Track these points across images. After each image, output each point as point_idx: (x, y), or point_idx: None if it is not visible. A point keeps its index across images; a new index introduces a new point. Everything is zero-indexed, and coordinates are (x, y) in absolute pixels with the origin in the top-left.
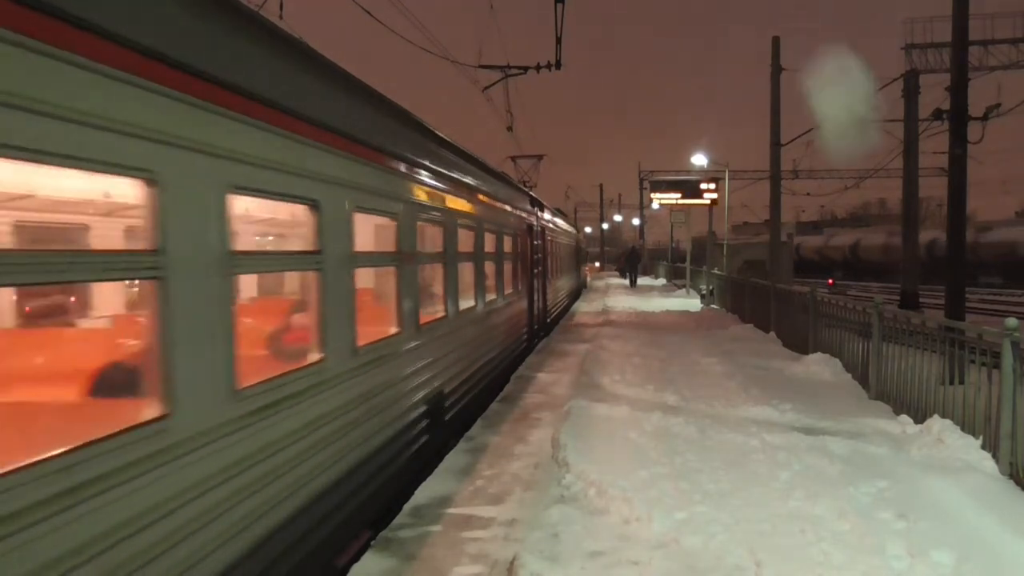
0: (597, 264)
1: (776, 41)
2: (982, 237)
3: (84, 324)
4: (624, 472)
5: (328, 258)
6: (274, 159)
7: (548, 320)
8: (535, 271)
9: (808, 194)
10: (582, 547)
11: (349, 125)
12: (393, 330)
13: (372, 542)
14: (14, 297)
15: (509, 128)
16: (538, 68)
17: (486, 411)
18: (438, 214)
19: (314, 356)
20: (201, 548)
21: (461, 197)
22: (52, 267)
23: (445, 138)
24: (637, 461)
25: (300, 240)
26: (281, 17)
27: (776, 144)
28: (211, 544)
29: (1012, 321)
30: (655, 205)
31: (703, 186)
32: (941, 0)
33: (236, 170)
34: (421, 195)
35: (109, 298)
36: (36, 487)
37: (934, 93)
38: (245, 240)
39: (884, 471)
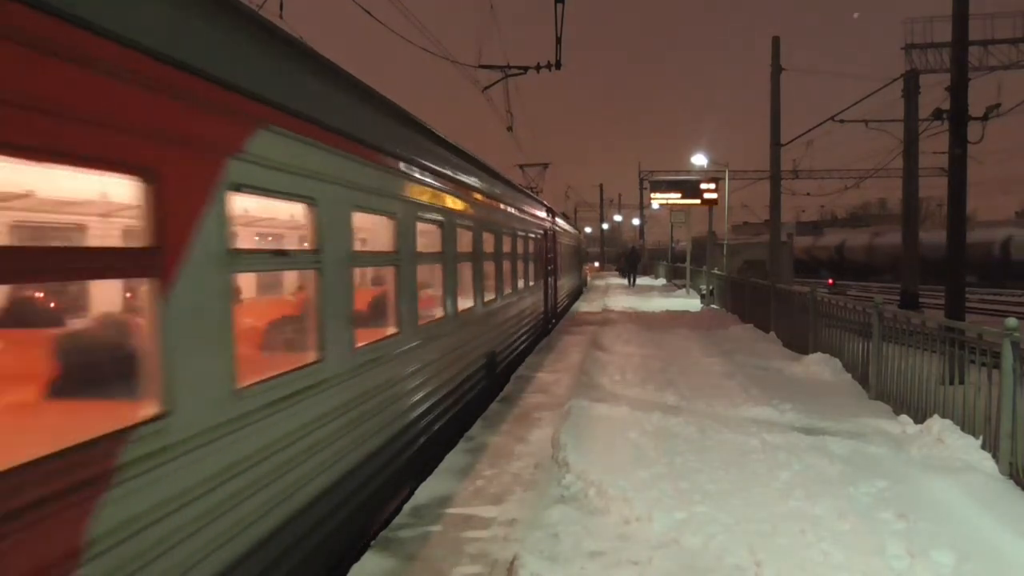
0: (596, 264)
1: (776, 41)
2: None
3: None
4: (624, 472)
5: (403, 257)
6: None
7: (559, 310)
8: (550, 268)
9: (808, 194)
10: (582, 547)
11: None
12: (470, 303)
13: (372, 542)
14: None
15: (509, 128)
16: (538, 68)
17: (486, 411)
18: (491, 223)
19: (439, 313)
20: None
21: (509, 209)
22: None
23: (495, 170)
24: (637, 461)
25: (381, 242)
26: (281, 17)
27: (776, 144)
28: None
29: (1012, 321)
30: (655, 205)
31: (703, 186)
32: (941, 0)
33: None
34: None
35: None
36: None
37: (934, 93)
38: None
39: (884, 471)
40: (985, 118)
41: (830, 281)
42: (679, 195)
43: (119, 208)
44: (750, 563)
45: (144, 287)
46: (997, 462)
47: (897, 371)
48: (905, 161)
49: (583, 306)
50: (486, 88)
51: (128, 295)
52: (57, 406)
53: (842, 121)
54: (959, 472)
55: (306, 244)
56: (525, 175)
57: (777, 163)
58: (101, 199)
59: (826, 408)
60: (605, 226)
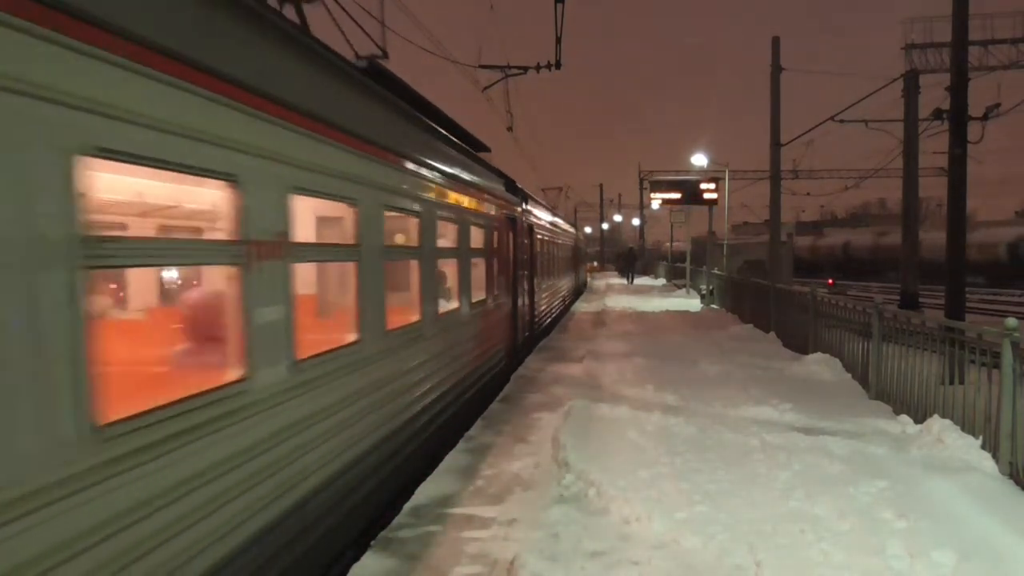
0: (595, 263)
1: (776, 41)
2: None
3: None
4: (624, 472)
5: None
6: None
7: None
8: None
9: (808, 194)
10: (582, 547)
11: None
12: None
13: (372, 542)
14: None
15: (509, 128)
16: (538, 68)
17: (486, 411)
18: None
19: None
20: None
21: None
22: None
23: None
24: (637, 461)
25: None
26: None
27: (776, 144)
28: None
29: (1012, 321)
30: (655, 205)
31: (703, 186)
32: (941, 0)
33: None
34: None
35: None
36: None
37: (934, 93)
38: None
39: (884, 471)
40: (985, 118)
41: (830, 281)
42: (679, 195)
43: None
44: (750, 563)
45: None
46: (997, 462)
47: (897, 371)
48: (905, 161)
49: (583, 306)
50: (486, 88)
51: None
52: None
53: (842, 121)
54: (959, 472)
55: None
56: (546, 195)
57: (777, 163)
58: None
59: (826, 408)
60: (605, 226)
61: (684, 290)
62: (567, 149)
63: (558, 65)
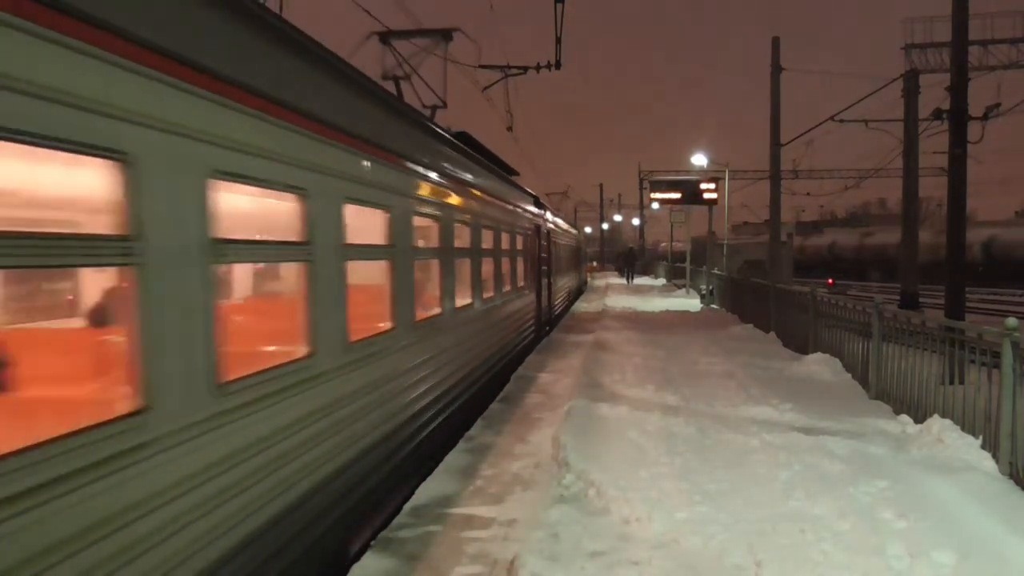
0: (595, 263)
1: (776, 41)
2: (868, 240)
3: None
4: (624, 472)
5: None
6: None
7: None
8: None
9: (808, 194)
10: (582, 547)
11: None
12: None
13: (372, 542)
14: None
15: (509, 128)
16: (538, 68)
17: (486, 411)
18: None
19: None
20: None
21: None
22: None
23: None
24: (637, 461)
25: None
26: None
27: (776, 144)
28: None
29: (1012, 321)
30: (655, 205)
31: (703, 186)
32: (941, 0)
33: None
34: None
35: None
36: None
37: (934, 93)
38: None
39: (884, 471)
40: (985, 118)
41: (830, 281)
42: (679, 195)
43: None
44: (750, 563)
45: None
46: (997, 462)
47: (897, 371)
48: (905, 161)
49: (583, 306)
50: (486, 88)
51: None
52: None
53: (842, 121)
54: (959, 472)
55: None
56: (550, 200)
57: (777, 163)
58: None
59: (826, 408)
60: (605, 226)
61: (684, 290)
62: (567, 149)
63: (558, 65)
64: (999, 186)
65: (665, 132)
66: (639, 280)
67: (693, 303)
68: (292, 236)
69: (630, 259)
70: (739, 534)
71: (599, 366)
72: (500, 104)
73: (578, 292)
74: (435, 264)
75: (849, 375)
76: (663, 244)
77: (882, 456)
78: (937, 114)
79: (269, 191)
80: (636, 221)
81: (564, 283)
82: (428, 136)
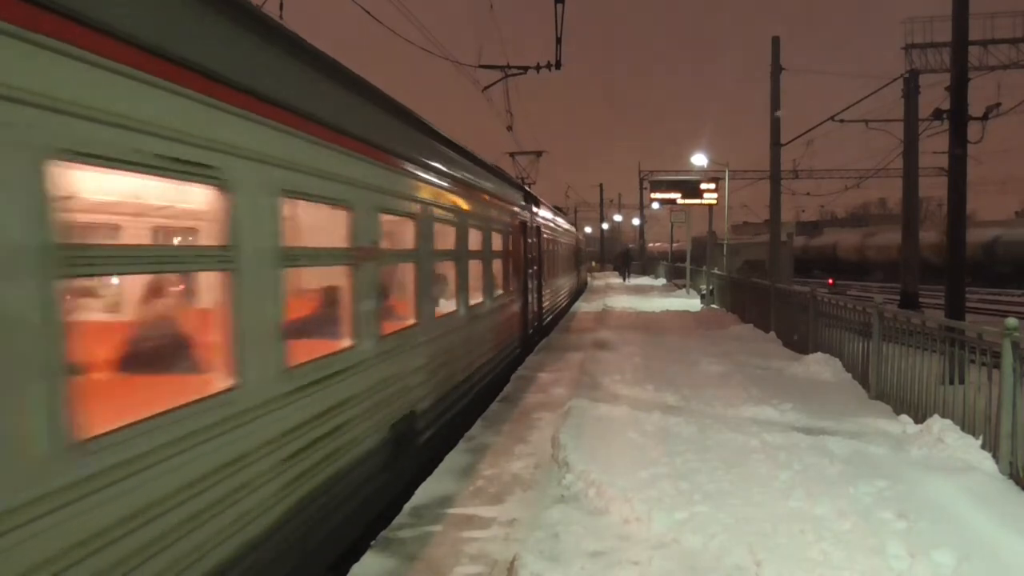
0: (594, 263)
1: (776, 41)
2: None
3: None
4: (624, 472)
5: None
6: None
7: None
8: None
9: (808, 194)
10: (582, 547)
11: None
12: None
13: (372, 542)
14: None
15: (509, 128)
16: (538, 68)
17: (486, 411)
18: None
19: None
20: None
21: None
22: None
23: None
24: (637, 461)
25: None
26: (281, 17)
27: (776, 144)
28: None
29: (1012, 321)
30: (655, 205)
31: (703, 186)
32: (941, 0)
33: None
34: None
35: None
36: None
37: (934, 93)
38: None
39: (884, 471)
40: (985, 118)
41: (830, 281)
42: (679, 195)
43: None
44: (750, 563)
45: None
46: (997, 462)
47: (897, 371)
48: (905, 161)
49: (583, 306)
50: (486, 88)
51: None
52: None
53: (842, 121)
54: (959, 472)
55: None
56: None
57: (777, 163)
58: None
59: (826, 408)
60: (605, 226)
61: (684, 290)
62: (567, 149)
63: (558, 65)
64: (999, 186)
65: (665, 132)
66: (639, 280)
67: (693, 303)
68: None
69: (627, 259)
70: (739, 534)
71: (599, 366)
72: (500, 104)
73: (578, 293)
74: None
75: (849, 375)
76: (655, 245)
77: (882, 456)
78: (937, 114)
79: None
80: (636, 221)
81: (561, 284)
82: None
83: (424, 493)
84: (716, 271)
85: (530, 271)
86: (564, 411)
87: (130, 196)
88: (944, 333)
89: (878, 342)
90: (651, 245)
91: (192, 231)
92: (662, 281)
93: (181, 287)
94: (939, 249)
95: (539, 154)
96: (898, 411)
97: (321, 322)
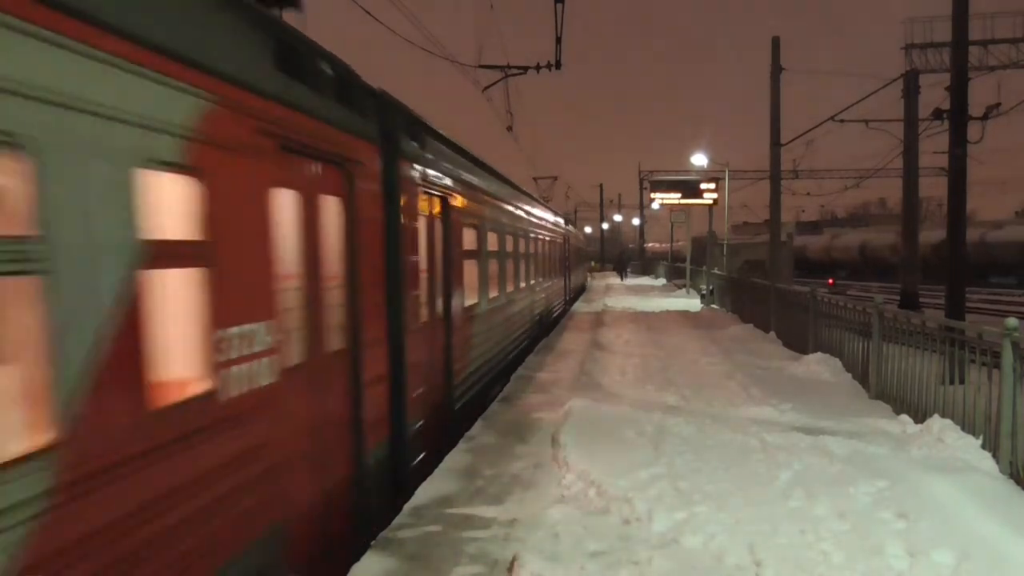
0: (593, 263)
1: (776, 41)
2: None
3: None
4: (624, 472)
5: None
6: None
7: (572, 296)
8: (567, 264)
9: (808, 194)
10: (582, 547)
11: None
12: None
13: (372, 542)
14: None
15: (509, 128)
16: (538, 68)
17: (486, 411)
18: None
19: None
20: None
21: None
22: None
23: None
24: (637, 461)
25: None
26: (281, 17)
27: (776, 144)
28: None
29: (1012, 321)
30: (655, 205)
31: (703, 186)
32: (941, 0)
33: None
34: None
35: None
36: None
37: (934, 93)
38: None
39: (884, 471)
40: (985, 118)
41: (830, 281)
42: (679, 195)
43: None
44: (750, 563)
45: None
46: (997, 462)
47: (897, 371)
48: (905, 161)
49: (583, 307)
50: (486, 88)
51: None
52: None
53: (842, 121)
54: (959, 472)
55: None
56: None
57: (777, 163)
58: None
59: (826, 408)
60: (605, 226)
61: (684, 290)
62: (567, 148)
63: (558, 65)
64: (999, 186)
65: (665, 132)
66: (638, 280)
67: (693, 303)
68: None
69: (625, 260)
70: (739, 534)
71: (599, 366)
72: (500, 104)
73: (578, 293)
74: None
75: (849, 375)
76: (652, 245)
77: (882, 456)
78: (937, 114)
79: None
80: (636, 221)
81: (576, 277)
82: None
83: (424, 493)
84: (716, 271)
85: (567, 264)
86: (564, 411)
87: None
88: (944, 333)
89: (878, 342)
90: (651, 245)
91: None
92: (662, 281)
93: None
94: (928, 249)
95: (554, 179)
96: (898, 411)
97: None
